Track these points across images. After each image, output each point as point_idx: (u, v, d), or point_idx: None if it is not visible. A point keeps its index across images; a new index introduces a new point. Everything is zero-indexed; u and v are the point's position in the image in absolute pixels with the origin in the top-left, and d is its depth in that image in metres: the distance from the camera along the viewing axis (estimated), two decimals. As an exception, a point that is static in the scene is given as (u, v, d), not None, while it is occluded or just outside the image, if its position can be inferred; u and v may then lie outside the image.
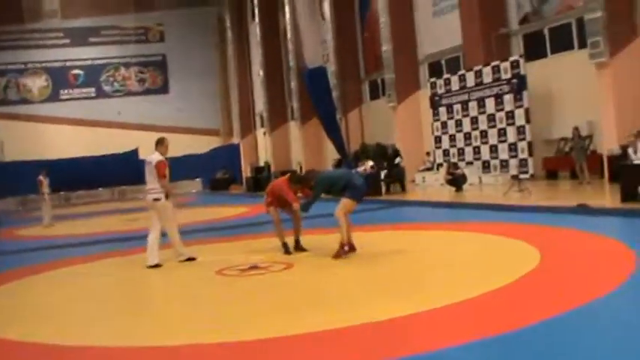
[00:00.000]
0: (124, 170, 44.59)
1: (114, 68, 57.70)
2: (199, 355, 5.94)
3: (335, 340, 5.92)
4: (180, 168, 47.61)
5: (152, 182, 10.68)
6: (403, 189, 24.27)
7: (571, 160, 20.75)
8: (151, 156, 10.88)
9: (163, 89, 58.20)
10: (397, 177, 24.63)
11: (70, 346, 6.48)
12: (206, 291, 8.79)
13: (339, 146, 31.88)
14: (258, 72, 50.27)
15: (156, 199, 10.65)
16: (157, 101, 57.02)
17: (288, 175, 11.04)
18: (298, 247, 11.00)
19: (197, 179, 46.54)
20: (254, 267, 9.56)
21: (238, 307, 7.70)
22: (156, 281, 9.99)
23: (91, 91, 57.31)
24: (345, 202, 10.17)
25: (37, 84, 56.70)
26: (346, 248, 10.06)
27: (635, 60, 20.39)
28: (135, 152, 46.09)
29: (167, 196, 10.71)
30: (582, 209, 13.61)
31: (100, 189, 45.42)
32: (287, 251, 10.85)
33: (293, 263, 10.09)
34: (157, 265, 10.48)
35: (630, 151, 16.12)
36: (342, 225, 10.09)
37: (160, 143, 10.97)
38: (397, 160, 25.97)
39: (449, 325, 6.24)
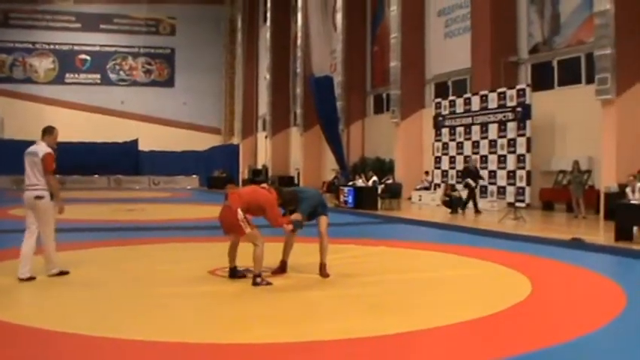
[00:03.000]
0: (122, 160, 44.69)
1: (122, 57, 57.85)
2: (187, 352, 5.97)
3: (319, 353, 5.95)
4: (178, 163, 48.08)
5: (34, 177, 9.13)
6: (398, 206, 24.33)
7: (568, 192, 20.85)
8: (35, 146, 9.27)
9: (169, 82, 58.35)
10: (394, 193, 24.72)
11: (48, 331, 6.51)
12: (198, 290, 8.77)
13: (339, 156, 31.97)
14: (264, 75, 50.43)
15: (38, 197, 9.10)
16: (162, 94, 57.20)
17: (276, 190, 9.52)
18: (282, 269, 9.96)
19: (194, 176, 46.59)
20: (247, 270, 9.54)
21: (228, 308, 7.71)
22: (144, 278, 9.88)
23: (97, 77, 57.47)
24: (327, 220, 9.89)
25: (43, 65, 56.83)
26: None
27: (640, 100, 20.55)
28: (135, 143, 46.15)
29: (52, 196, 9.25)
30: (576, 244, 13.67)
31: (96, 176, 45.36)
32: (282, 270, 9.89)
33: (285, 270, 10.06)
34: (30, 279, 8.99)
35: (628, 190, 16.22)
36: (328, 245, 9.85)
37: (49, 132, 9.42)
38: (384, 179, 26.52)
39: (431, 349, 6.27)
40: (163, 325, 6.92)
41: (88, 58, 57.52)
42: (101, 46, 57.55)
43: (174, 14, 58.06)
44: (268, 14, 49.13)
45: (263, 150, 50.77)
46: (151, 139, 48.59)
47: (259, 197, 9.16)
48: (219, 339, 6.37)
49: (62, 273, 9.38)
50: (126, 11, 56.84)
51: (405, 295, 8.66)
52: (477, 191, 23.17)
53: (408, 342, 6.40)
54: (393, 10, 32.06)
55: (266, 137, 48.27)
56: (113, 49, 57.80)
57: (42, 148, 9.18)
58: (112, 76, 57.78)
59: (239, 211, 8.91)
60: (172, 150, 47.19)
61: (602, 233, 16.35)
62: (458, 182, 24.89)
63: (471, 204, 22.44)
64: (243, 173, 46.22)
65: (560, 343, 6.27)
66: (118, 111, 55.78)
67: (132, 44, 57.69)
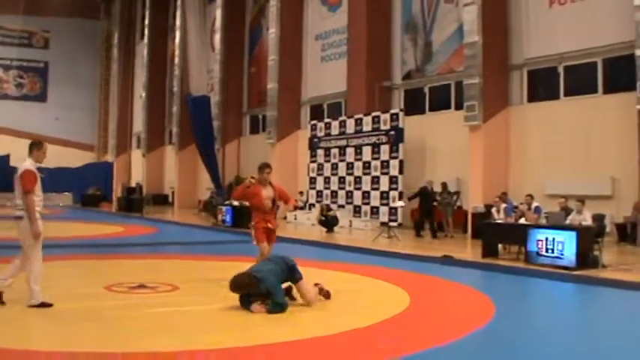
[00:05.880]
0: (-9, 175, 42.92)
1: (-8, 69, 55.66)
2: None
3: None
4: (51, 180, 46.48)
5: (18, 196, 8.43)
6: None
7: (438, 212, 21.81)
8: (22, 163, 8.63)
9: (41, 97, 56.58)
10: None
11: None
12: (97, 304, 8.78)
13: (214, 175, 32.10)
14: (140, 93, 49.83)
15: (17, 217, 8.39)
16: (34, 108, 55.35)
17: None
18: None
19: (67, 193, 45.30)
20: (142, 286, 9.67)
21: (127, 322, 7.81)
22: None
23: (-37, 88, 55.07)
24: (305, 285, 8.90)
25: None
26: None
27: (503, 127, 22.02)
28: (6, 158, 44.64)
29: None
30: (447, 260, 14.48)
31: (-39, 193, 43.33)
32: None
33: (178, 286, 10.26)
34: (42, 305, 8.27)
35: (494, 210, 17.24)
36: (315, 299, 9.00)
37: (37, 147, 8.65)
38: None
39: (316, 355, 6.68)
40: (73, 337, 7.02)
41: (-45, 67, 55.19)
42: (-30, 55, 55.27)
43: (49, 27, 56.35)
44: (146, 31, 48.70)
45: (137, 168, 50.07)
46: (24, 154, 46.19)
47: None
48: (128, 348, 6.55)
49: None
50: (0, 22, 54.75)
51: (290, 308, 8.71)
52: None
53: (294, 349, 6.77)
54: (272, 33, 32.60)
55: (144, 155, 47.53)
56: (-17, 60, 55.60)
57: (23, 165, 8.51)
58: (-20, 89, 55.54)
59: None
60: (45, 166, 44.85)
61: (470, 250, 17.33)
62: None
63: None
64: (117, 191, 45.41)
65: (439, 346, 6.88)
66: (-15, 125, 53.60)
67: (3, 56, 55.58)
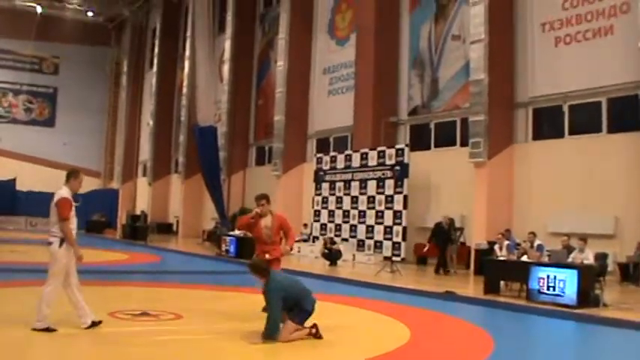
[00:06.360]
0: (-3, 199, 43.19)
1: (1, 93, 55.93)
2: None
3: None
4: (57, 205, 46.56)
5: (53, 223, 8.68)
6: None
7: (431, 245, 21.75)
8: (58, 191, 8.85)
9: (50, 122, 56.82)
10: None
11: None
12: (101, 330, 8.74)
13: (219, 206, 32.19)
14: (147, 121, 50.12)
15: (48, 243, 8.64)
16: (42, 133, 55.55)
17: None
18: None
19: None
20: (145, 313, 9.74)
21: (132, 349, 7.86)
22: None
23: (-27, 112, 55.40)
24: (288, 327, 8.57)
25: None
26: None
27: (508, 164, 22.14)
28: (12, 182, 44.85)
29: (61, 242, 8.62)
30: (449, 296, 14.52)
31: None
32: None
33: (182, 314, 10.32)
34: (47, 329, 8.35)
35: (496, 247, 17.30)
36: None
37: (74, 177, 8.94)
38: None
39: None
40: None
41: (-35, 92, 55.59)
42: (-20, 79, 55.68)
43: (59, 53, 56.76)
44: (155, 60, 49.14)
45: (142, 196, 50.24)
46: (30, 178, 47.03)
47: None
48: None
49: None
50: (11, 46, 55.07)
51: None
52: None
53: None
54: (280, 65, 32.90)
55: (149, 183, 47.67)
56: (-7, 84, 56.01)
57: (59, 193, 8.76)
58: (-10, 113, 55.88)
59: None
60: (51, 191, 44.92)
61: (472, 286, 17.33)
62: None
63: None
64: (121, 218, 45.49)
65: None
66: (-7, 149, 53.86)
67: (13, 80, 55.90)
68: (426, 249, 22.50)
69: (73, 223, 8.80)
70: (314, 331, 8.57)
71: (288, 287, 8.63)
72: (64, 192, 8.77)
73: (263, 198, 10.38)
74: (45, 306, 8.38)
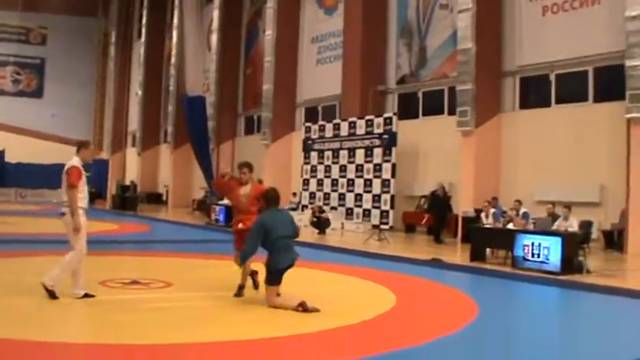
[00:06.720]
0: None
1: (-12, 64, 55.66)
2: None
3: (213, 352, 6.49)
4: (46, 176, 46.57)
5: (64, 192, 8.83)
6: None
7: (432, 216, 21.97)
8: (69, 161, 8.97)
9: (37, 93, 56.56)
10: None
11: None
12: (94, 299, 8.87)
13: (208, 175, 32.24)
14: (136, 91, 49.99)
15: (62, 214, 8.87)
16: (30, 105, 55.30)
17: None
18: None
19: (61, 189, 45.34)
20: (135, 282, 9.88)
21: (124, 316, 8.01)
22: (37, 287, 9.78)
23: (-41, 83, 55.06)
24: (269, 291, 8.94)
25: None
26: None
27: (496, 133, 22.29)
28: (1, 154, 44.71)
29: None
30: (436, 263, 14.73)
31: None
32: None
33: (172, 282, 10.46)
34: (86, 295, 8.78)
35: (483, 215, 17.48)
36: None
37: (85, 147, 9.18)
38: None
39: (312, 349, 6.97)
40: (70, 329, 7.28)
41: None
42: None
43: (47, 24, 56.33)
44: (143, 30, 48.89)
45: (132, 166, 50.23)
46: (19, 150, 46.88)
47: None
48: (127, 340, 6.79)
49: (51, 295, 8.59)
50: (-3, 18, 54.70)
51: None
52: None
53: (299, 342, 7.12)
54: (268, 35, 32.83)
55: (139, 154, 47.64)
56: (-21, 55, 55.59)
57: (70, 162, 8.91)
58: (-24, 84, 55.55)
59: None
60: (40, 162, 45.71)
61: (459, 254, 17.55)
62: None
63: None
64: (111, 189, 45.55)
65: (423, 344, 7.15)
66: (-20, 120, 53.60)
67: (0, 52, 55.52)
68: (424, 221, 22.75)
69: (84, 192, 8.94)
70: (300, 309, 8.53)
71: (272, 228, 8.76)
72: (74, 161, 8.90)
73: (245, 166, 10.09)
74: (61, 269, 8.64)
